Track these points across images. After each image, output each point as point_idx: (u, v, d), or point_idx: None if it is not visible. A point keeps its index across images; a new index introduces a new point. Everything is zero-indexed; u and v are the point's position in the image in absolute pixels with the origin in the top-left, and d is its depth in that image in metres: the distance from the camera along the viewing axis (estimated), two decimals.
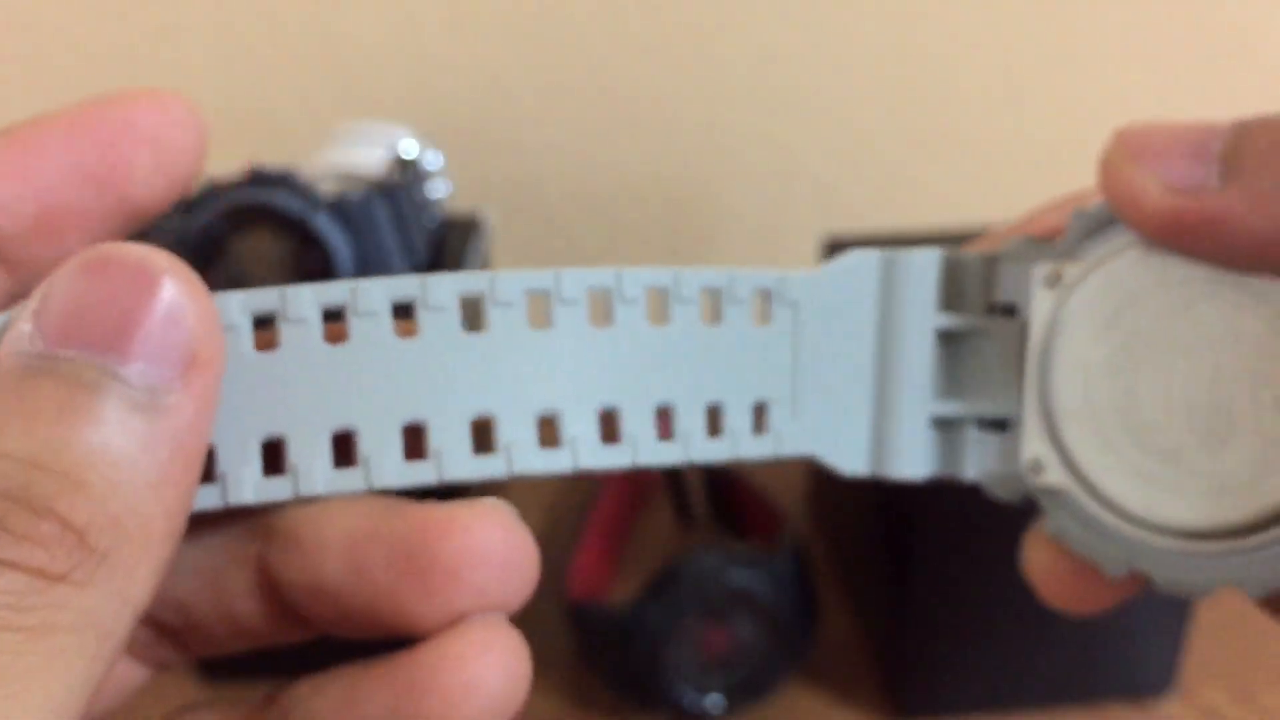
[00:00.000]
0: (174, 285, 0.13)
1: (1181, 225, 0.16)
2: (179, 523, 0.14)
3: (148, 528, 0.13)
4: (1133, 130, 0.17)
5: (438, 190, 0.47)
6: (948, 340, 0.21)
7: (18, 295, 0.16)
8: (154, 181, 0.16)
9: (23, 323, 0.13)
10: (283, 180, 0.37)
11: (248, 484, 0.16)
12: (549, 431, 0.18)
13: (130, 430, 0.13)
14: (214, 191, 0.37)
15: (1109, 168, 0.17)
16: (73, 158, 0.16)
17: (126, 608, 0.13)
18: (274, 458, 0.16)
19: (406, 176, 0.41)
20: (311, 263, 0.37)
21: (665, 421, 0.18)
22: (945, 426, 0.22)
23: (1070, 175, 0.63)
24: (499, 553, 0.17)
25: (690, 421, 0.18)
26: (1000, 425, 0.21)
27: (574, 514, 0.51)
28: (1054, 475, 0.20)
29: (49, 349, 0.13)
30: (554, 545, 0.50)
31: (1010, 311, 0.20)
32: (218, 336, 0.14)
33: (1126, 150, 0.17)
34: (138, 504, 0.13)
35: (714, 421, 0.19)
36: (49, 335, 0.13)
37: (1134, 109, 0.59)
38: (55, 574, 0.12)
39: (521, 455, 0.17)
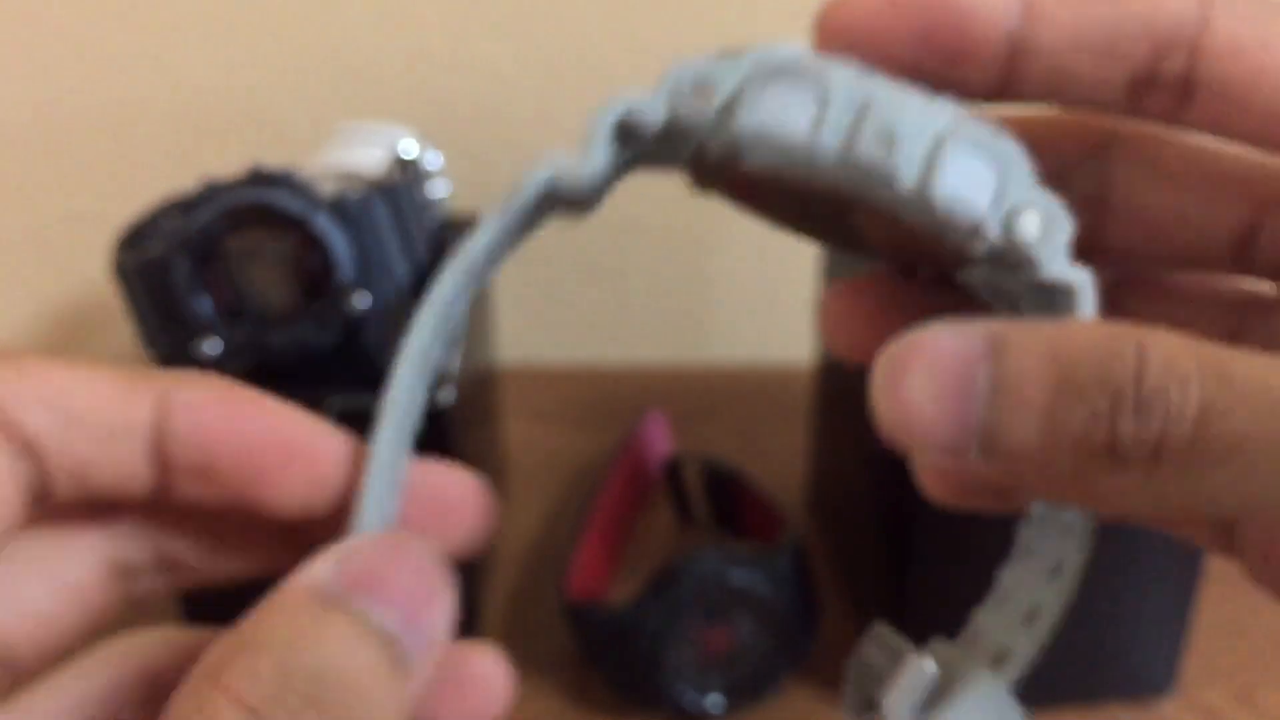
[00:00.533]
0: (449, 588, 0.17)
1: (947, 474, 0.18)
2: None
3: None
4: (896, 389, 0.17)
5: (438, 190, 0.47)
6: None
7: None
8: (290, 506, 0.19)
9: (326, 562, 0.16)
10: (283, 180, 0.37)
11: None
12: None
13: (392, 687, 0.16)
14: (214, 191, 0.37)
15: (879, 409, 0.17)
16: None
17: None
18: None
19: (406, 176, 0.41)
20: (312, 263, 0.37)
21: None
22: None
23: None
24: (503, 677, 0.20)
25: None
26: None
27: (574, 514, 0.51)
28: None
29: (349, 593, 0.16)
30: (554, 545, 0.50)
31: None
32: (448, 632, 0.17)
33: (894, 414, 0.17)
34: None
35: None
36: (349, 579, 0.16)
37: None
38: None
39: None
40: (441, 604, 0.17)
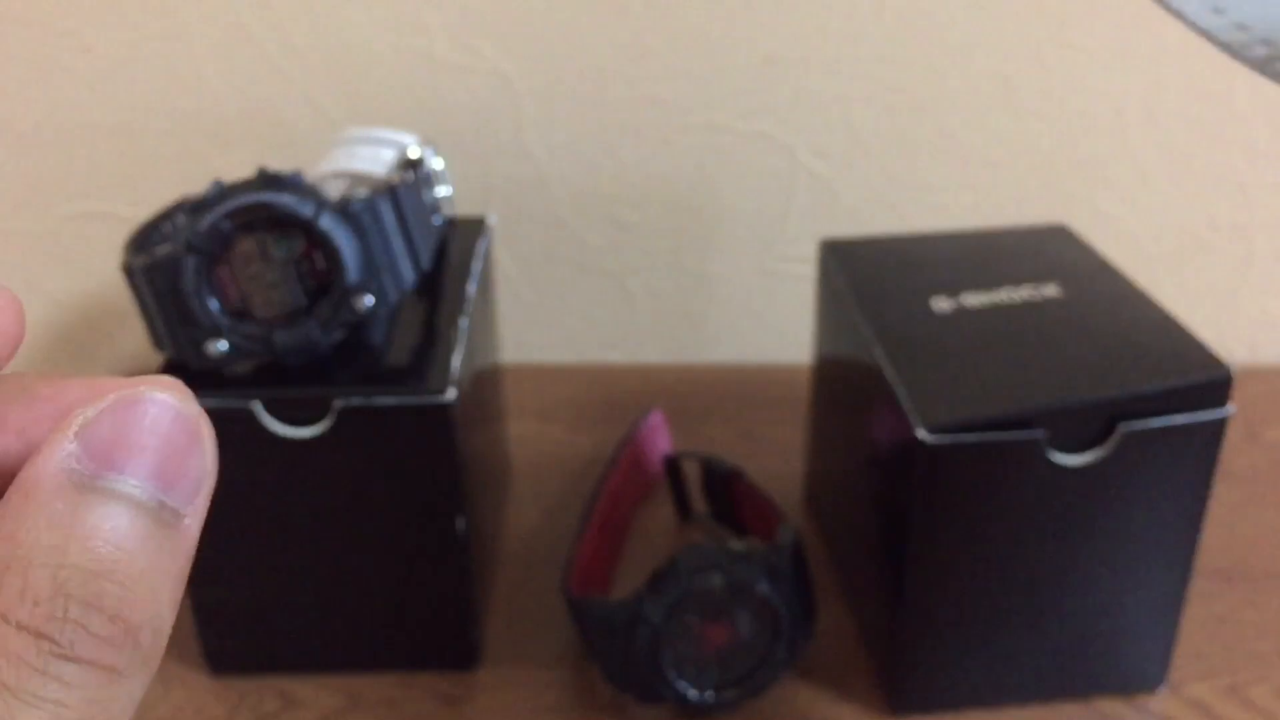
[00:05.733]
0: (206, 429, 0.16)
1: None
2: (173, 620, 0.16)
3: (166, 628, 0.15)
4: None
5: (442, 192, 0.47)
6: None
7: None
8: None
9: (66, 441, 0.15)
10: (290, 182, 0.37)
11: None
12: None
13: (166, 547, 0.15)
14: (222, 193, 0.37)
15: None
16: None
17: (140, 694, 0.15)
18: None
19: (411, 179, 0.42)
20: (318, 264, 0.38)
21: None
22: None
23: (1064, 176, 0.64)
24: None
25: None
26: None
27: (575, 511, 0.51)
28: None
29: (99, 470, 0.15)
30: (556, 542, 0.51)
31: None
32: (215, 468, 0.17)
33: None
34: (166, 610, 0.15)
35: None
36: (98, 457, 0.15)
37: (1128, 109, 0.60)
38: (121, 670, 0.14)
39: None
40: (198, 449, 0.16)
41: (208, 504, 0.16)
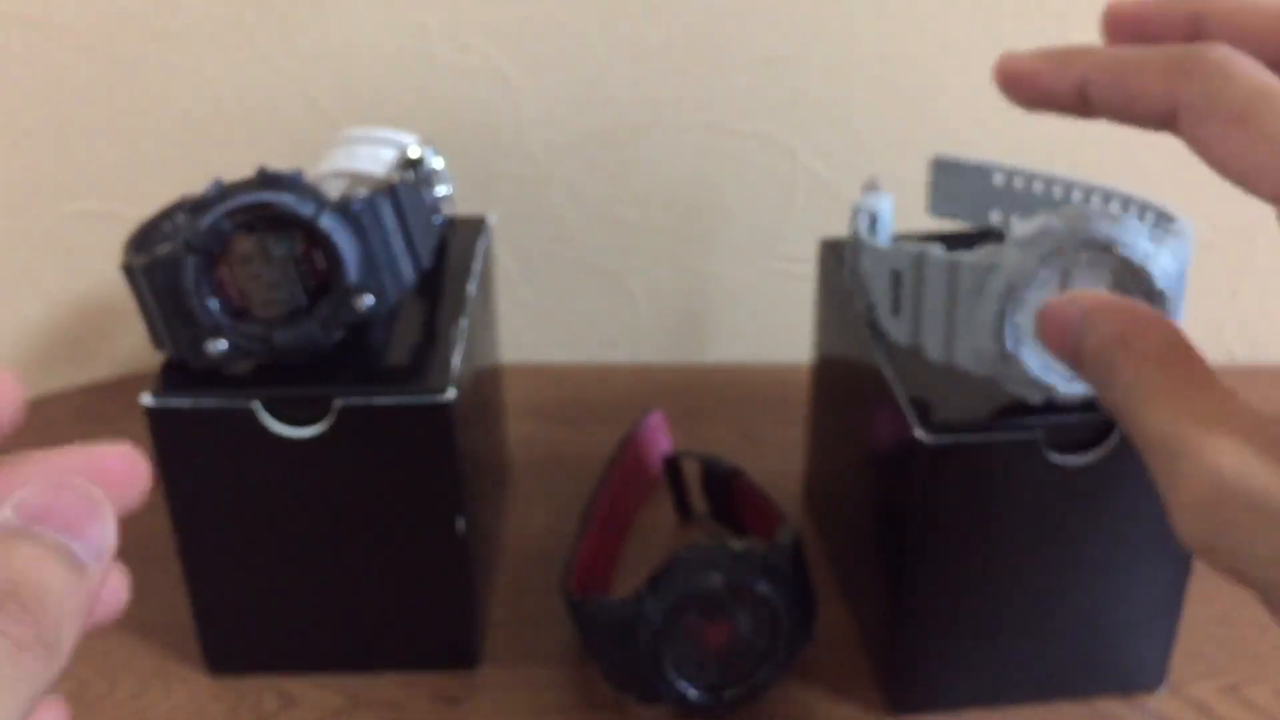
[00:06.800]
0: (109, 508, 0.22)
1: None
2: (76, 643, 0.21)
3: (67, 642, 0.21)
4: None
5: (442, 192, 0.48)
6: None
7: None
8: None
9: (4, 509, 0.21)
10: (290, 182, 0.37)
11: None
12: None
13: (71, 582, 0.21)
14: (222, 192, 0.37)
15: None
16: None
17: (49, 679, 0.20)
18: None
19: (411, 178, 0.42)
20: (318, 263, 0.38)
21: None
22: None
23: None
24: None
25: None
26: None
27: (576, 511, 0.51)
28: None
29: (26, 526, 0.21)
30: (556, 542, 0.51)
31: None
32: (115, 540, 0.22)
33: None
34: (65, 633, 0.21)
35: None
36: (27, 516, 0.21)
37: None
38: (24, 646, 0.20)
39: None
40: (101, 521, 0.22)
41: (111, 565, 0.22)
